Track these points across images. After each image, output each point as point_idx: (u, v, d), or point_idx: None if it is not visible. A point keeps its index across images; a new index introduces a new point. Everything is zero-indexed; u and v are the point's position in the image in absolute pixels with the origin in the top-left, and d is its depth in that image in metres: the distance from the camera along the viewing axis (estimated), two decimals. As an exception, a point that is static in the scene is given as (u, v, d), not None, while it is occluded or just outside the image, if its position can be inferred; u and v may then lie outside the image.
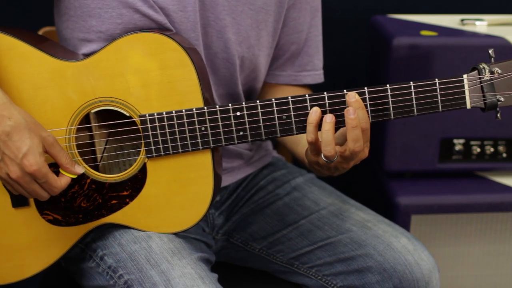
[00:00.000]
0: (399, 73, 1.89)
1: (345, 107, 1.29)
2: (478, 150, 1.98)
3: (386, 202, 1.98)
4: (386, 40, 1.91)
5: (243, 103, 1.31)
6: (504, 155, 1.98)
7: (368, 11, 2.20)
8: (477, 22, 2.01)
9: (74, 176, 1.30)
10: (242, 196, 1.65)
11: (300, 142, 1.50)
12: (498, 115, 1.31)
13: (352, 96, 1.28)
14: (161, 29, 1.38)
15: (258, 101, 1.30)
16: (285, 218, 1.60)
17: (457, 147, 1.97)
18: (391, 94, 1.29)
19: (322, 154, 1.30)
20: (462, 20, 2.02)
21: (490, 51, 1.30)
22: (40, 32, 1.73)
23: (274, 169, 1.70)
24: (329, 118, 1.28)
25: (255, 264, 1.65)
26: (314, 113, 1.29)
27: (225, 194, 1.63)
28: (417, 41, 1.89)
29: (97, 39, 1.39)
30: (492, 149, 1.98)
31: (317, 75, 1.64)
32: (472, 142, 1.97)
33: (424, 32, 1.93)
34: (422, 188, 1.98)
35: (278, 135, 1.32)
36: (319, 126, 1.30)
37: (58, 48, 1.41)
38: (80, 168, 1.31)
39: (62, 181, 1.29)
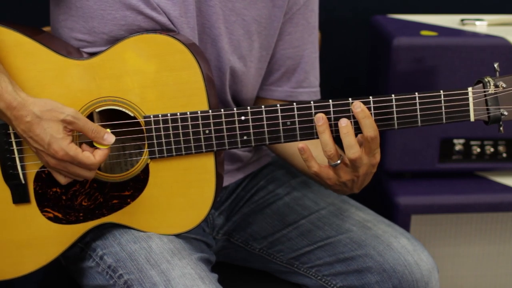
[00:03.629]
0: (399, 73, 1.89)
1: (350, 115, 1.29)
2: (478, 150, 1.98)
3: (386, 202, 1.98)
4: (386, 40, 1.91)
5: (248, 107, 1.31)
6: (504, 155, 1.99)
7: (368, 11, 2.21)
8: (477, 22, 2.02)
9: (106, 147, 1.30)
10: (242, 196, 1.65)
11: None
12: (501, 128, 1.32)
13: (357, 106, 1.28)
14: (166, 30, 1.38)
15: (263, 106, 1.30)
16: (285, 218, 1.60)
17: (457, 147, 1.97)
18: (395, 104, 1.29)
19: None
20: (462, 20, 2.03)
21: (495, 65, 1.30)
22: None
23: (274, 168, 1.69)
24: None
25: (255, 264, 1.65)
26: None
27: (225, 194, 1.63)
28: (417, 41, 1.89)
29: (99, 40, 1.39)
30: (492, 149, 1.98)
31: (313, 92, 1.62)
32: (472, 142, 1.98)
33: (424, 32, 1.93)
34: (422, 188, 1.98)
35: (282, 140, 1.32)
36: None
37: (64, 45, 1.40)
38: (110, 137, 1.31)
39: (96, 156, 1.30)
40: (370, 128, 1.28)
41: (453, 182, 2.00)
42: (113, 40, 1.37)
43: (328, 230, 1.55)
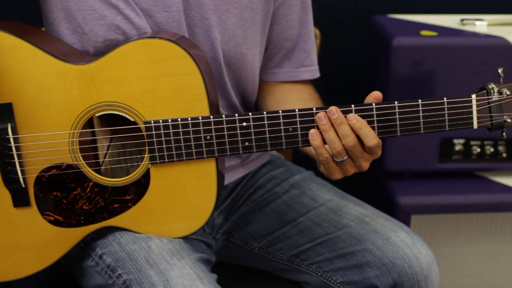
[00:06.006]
0: (399, 73, 1.89)
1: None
2: (478, 150, 1.98)
3: (386, 202, 1.98)
4: (386, 40, 1.91)
5: (250, 113, 1.30)
6: (504, 155, 1.99)
7: (368, 11, 2.20)
8: (477, 22, 2.01)
9: None
10: (241, 195, 1.65)
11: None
12: (504, 134, 1.31)
13: (352, 119, 1.28)
14: (167, 33, 1.37)
15: (265, 112, 1.30)
16: (284, 216, 1.60)
17: (457, 147, 1.97)
18: (398, 111, 1.29)
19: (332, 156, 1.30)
20: (462, 20, 2.02)
21: (499, 71, 1.29)
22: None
23: (272, 167, 1.70)
24: (324, 120, 1.29)
25: (255, 263, 1.65)
26: (316, 135, 1.30)
27: (224, 194, 1.63)
28: (417, 41, 1.89)
29: (83, 40, 1.39)
30: (492, 149, 1.98)
31: (314, 70, 1.63)
32: (472, 142, 1.97)
33: (424, 32, 1.92)
34: (422, 188, 1.98)
35: (284, 147, 1.31)
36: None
37: (64, 48, 1.40)
38: None
39: None
40: (369, 136, 1.28)
41: (453, 182, 2.00)
42: (95, 40, 1.37)
43: (327, 226, 1.55)
